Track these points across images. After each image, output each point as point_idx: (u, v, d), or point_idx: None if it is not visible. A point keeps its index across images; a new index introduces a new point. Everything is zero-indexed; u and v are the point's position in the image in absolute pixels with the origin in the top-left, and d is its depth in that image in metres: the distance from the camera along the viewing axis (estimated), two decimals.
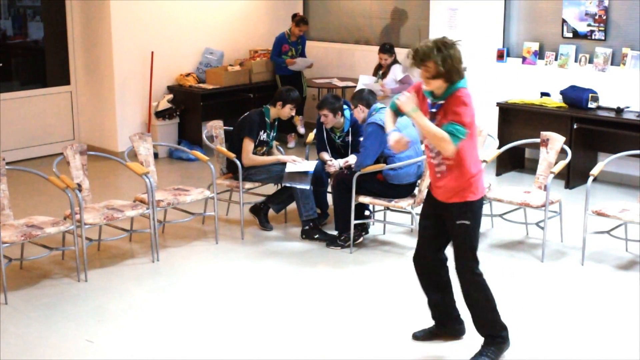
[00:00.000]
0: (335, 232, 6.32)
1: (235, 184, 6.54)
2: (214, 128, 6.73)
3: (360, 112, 6.14)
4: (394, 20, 9.94)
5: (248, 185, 6.56)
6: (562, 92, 7.94)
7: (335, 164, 6.37)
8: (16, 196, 6.78)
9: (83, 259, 5.63)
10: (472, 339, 4.55)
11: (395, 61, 8.65)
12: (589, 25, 8.01)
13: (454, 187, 4.26)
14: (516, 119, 8.21)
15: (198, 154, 6.63)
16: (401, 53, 9.34)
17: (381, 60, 8.67)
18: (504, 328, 4.45)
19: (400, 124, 5.98)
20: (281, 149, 6.87)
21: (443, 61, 4.05)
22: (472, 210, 4.30)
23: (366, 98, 6.14)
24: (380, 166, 5.93)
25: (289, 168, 6.41)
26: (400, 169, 5.93)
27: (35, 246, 5.81)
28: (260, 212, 6.72)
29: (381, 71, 8.69)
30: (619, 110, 7.62)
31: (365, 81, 8.54)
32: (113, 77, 8.97)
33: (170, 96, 9.27)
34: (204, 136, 6.78)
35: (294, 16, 9.65)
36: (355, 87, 9.13)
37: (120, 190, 7.74)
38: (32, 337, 4.81)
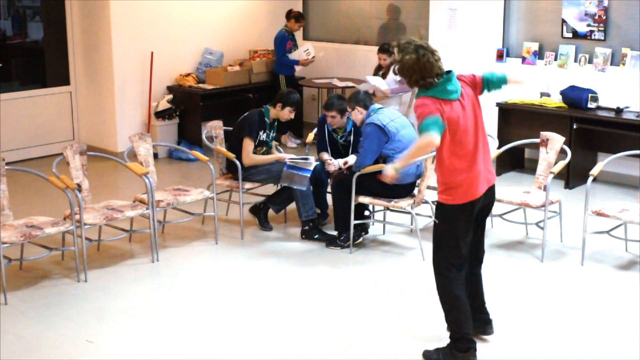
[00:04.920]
0: (335, 232, 6.32)
1: (235, 184, 6.54)
2: (214, 128, 6.73)
3: (358, 114, 6.15)
4: (394, 20, 9.94)
5: (248, 185, 6.57)
6: (561, 92, 7.94)
7: (335, 163, 6.38)
8: (16, 196, 6.78)
9: (83, 259, 5.63)
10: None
11: (394, 61, 8.62)
12: (588, 25, 8.01)
13: (438, 182, 4.33)
14: (516, 119, 8.21)
15: (198, 154, 6.63)
16: None
17: (380, 61, 8.65)
18: (463, 338, 4.35)
19: (399, 124, 6.01)
20: (281, 149, 6.87)
21: (399, 60, 4.22)
22: (443, 212, 4.32)
23: (363, 99, 6.15)
24: (380, 166, 5.93)
25: (289, 160, 6.41)
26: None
27: (35, 246, 5.81)
28: (260, 213, 6.72)
29: (381, 72, 8.69)
30: (618, 111, 7.63)
31: (374, 82, 8.49)
32: (113, 77, 8.98)
33: (170, 96, 9.27)
34: (203, 136, 6.78)
35: (289, 13, 9.62)
36: (355, 87, 9.13)
37: (120, 190, 7.74)
38: (32, 337, 4.81)
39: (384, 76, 8.64)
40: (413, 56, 4.14)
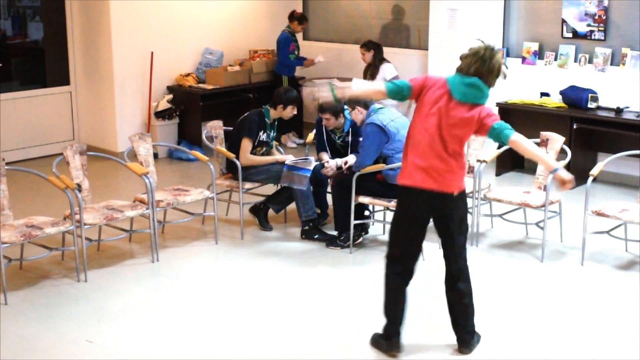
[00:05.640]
0: (335, 232, 6.32)
1: (235, 184, 6.54)
2: (214, 128, 6.73)
3: (358, 114, 6.14)
4: (394, 21, 9.94)
5: (248, 185, 6.57)
6: (561, 92, 7.94)
7: (332, 165, 6.37)
8: (16, 196, 6.77)
9: (83, 259, 5.63)
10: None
11: (382, 60, 8.66)
12: (588, 25, 8.01)
13: None
14: (516, 119, 8.20)
15: (198, 154, 6.63)
16: (402, 53, 9.37)
17: (361, 56, 8.74)
18: (387, 326, 4.48)
19: (399, 124, 6.01)
20: (281, 150, 6.87)
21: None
22: (398, 194, 4.46)
23: (363, 99, 6.14)
24: (380, 166, 5.93)
25: (289, 162, 6.41)
26: (400, 169, 5.92)
27: (35, 246, 5.81)
28: (259, 213, 6.72)
29: (369, 72, 8.72)
30: (618, 110, 7.63)
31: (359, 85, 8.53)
32: (113, 77, 8.98)
33: (170, 96, 9.27)
34: (203, 136, 6.78)
35: (292, 14, 9.62)
36: None
37: (120, 190, 7.74)
38: (32, 337, 4.81)
39: (372, 76, 8.67)
40: (479, 54, 4.27)
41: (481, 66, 4.22)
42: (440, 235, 4.48)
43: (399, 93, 4.36)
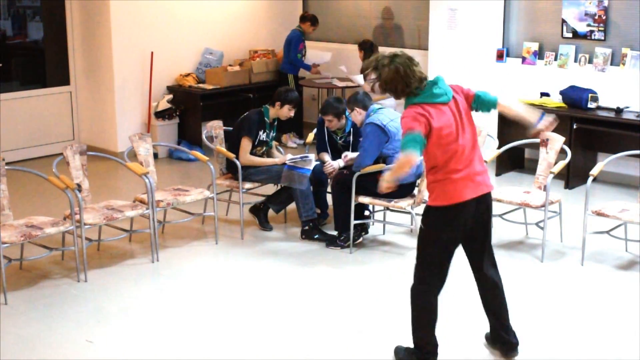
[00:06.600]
0: (335, 232, 6.32)
1: (235, 184, 6.54)
2: (214, 128, 6.73)
3: (357, 115, 6.14)
4: (394, 21, 9.94)
5: (248, 185, 6.57)
6: (561, 92, 7.94)
7: (334, 164, 6.36)
8: (16, 196, 6.78)
9: (83, 259, 5.63)
10: None
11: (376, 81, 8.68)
12: (588, 25, 8.01)
13: (427, 185, 4.24)
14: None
15: (198, 154, 6.63)
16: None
17: (359, 55, 8.79)
18: (424, 348, 4.32)
19: (399, 124, 6.00)
20: (281, 149, 6.87)
21: (378, 78, 4.14)
22: (428, 215, 4.18)
23: (362, 100, 6.15)
24: (380, 166, 5.93)
25: (289, 161, 6.40)
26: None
27: (35, 246, 5.81)
28: (260, 212, 6.72)
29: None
30: (618, 111, 7.63)
31: (360, 80, 8.54)
32: (113, 77, 8.98)
33: (170, 96, 9.28)
34: (203, 136, 6.78)
35: (304, 15, 9.64)
36: (355, 87, 9.14)
37: (120, 190, 7.74)
38: (32, 337, 4.81)
39: (367, 75, 8.68)
40: (392, 67, 4.05)
41: (397, 71, 4.03)
42: (476, 239, 4.33)
43: (423, 143, 4.04)
